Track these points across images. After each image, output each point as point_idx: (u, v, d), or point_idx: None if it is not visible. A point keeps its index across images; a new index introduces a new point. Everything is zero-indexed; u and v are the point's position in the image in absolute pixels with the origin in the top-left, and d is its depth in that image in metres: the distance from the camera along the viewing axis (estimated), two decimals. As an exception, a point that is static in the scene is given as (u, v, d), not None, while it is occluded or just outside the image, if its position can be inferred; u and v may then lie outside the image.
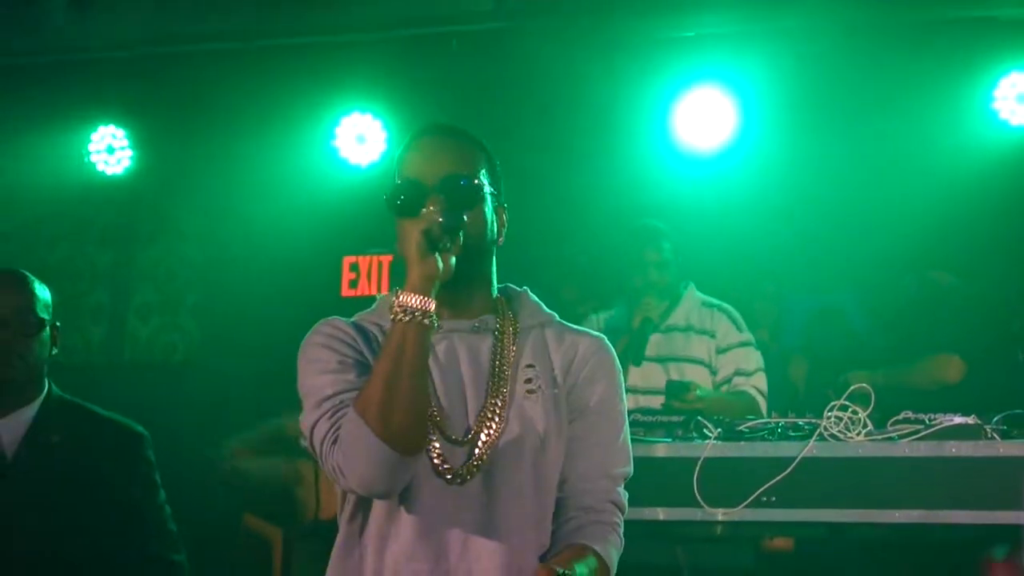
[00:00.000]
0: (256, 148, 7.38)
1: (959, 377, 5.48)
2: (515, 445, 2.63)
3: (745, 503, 4.08)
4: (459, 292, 2.71)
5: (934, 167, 6.33)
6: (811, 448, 4.11)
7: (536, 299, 2.87)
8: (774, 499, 4.08)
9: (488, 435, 2.63)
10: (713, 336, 5.45)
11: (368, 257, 7.79)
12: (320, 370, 2.67)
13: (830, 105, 6.58)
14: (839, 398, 5.58)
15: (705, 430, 4.28)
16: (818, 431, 4.14)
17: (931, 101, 6.45)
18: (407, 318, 2.50)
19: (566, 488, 2.71)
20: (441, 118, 7.49)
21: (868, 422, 4.16)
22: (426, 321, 2.51)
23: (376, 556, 2.63)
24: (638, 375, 5.33)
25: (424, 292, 2.51)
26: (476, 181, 2.70)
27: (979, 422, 4.12)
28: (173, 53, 7.31)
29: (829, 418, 4.16)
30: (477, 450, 2.62)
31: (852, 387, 4.33)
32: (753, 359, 5.44)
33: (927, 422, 4.13)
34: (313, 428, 2.62)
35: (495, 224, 2.76)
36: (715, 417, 4.39)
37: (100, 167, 7.75)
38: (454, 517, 2.60)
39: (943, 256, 5.81)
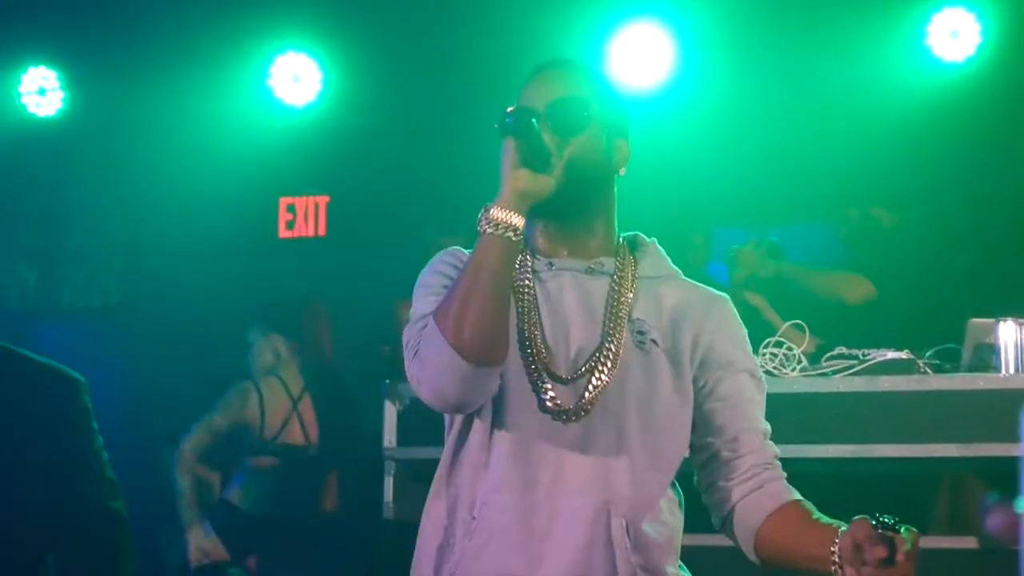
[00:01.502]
0: (190, 88, 7.32)
1: (857, 300, 5.54)
2: (623, 392, 2.58)
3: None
4: (572, 227, 2.69)
5: (869, 104, 6.37)
6: (746, 384, 4.14)
7: (663, 252, 2.82)
8: (709, 435, 4.11)
9: (598, 379, 2.58)
10: None
11: (305, 198, 7.76)
12: (426, 293, 2.64)
13: (765, 43, 6.59)
14: (746, 284, 5.65)
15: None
16: (753, 368, 4.17)
17: (865, 37, 6.48)
18: (490, 230, 2.47)
19: (736, 447, 2.67)
20: (375, 56, 7.46)
21: (802, 358, 4.20)
22: (509, 235, 2.47)
23: (469, 487, 2.60)
24: None
25: (511, 206, 2.48)
26: (587, 106, 2.64)
27: (912, 356, 4.17)
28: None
29: (764, 354, 4.19)
30: (587, 393, 2.57)
31: (786, 324, 4.38)
32: None
33: (861, 357, 4.18)
34: (407, 344, 2.60)
35: (612, 153, 2.72)
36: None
37: (31, 109, 7.67)
38: (550, 455, 2.56)
39: (881, 194, 5.85)
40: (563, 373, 2.60)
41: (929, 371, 4.14)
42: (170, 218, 7.59)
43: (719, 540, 3.55)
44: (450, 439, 2.67)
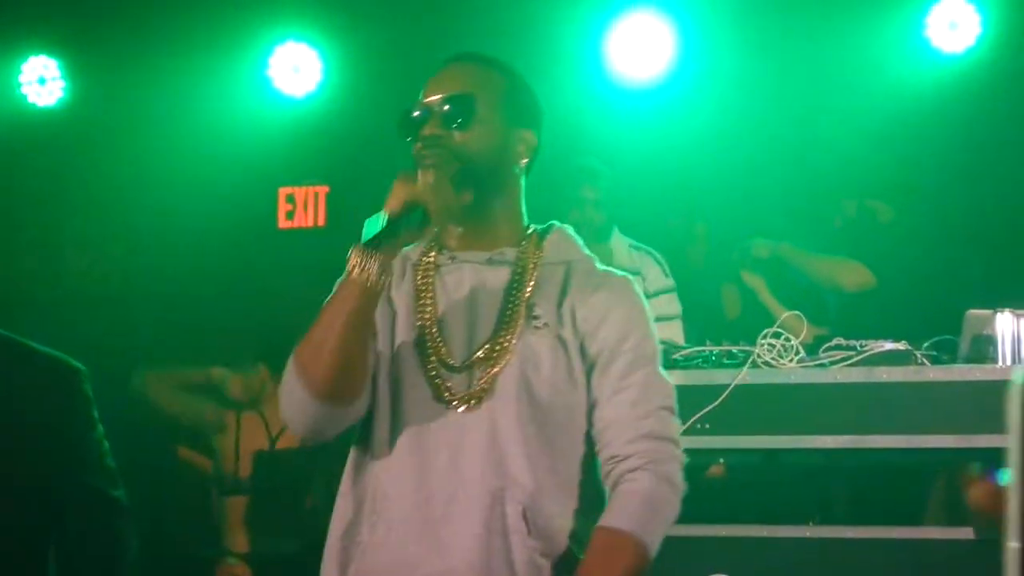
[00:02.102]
0: (190, 78, 7.31)
1: (854, 287, 5.56)
2: (517, 377, 2.61)
3: (680, 431, 4.11)
4: (469, 221, 2.72)
5: (868, 96, 6.35)
6: (744, 375, 4.16)
7: (573, 237, 2.83)
8: (708, 426, 4.13)
9: (490, 366, 2.62)
10: (644, 279, 5.47)
11: (304, 188, 7.76)
12: None
13: (764, 33, 6.59)
14: (744, 264, 5.69)
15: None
16: (751, 358, 4.18)
17: (864, 28, 6.48)
18: (353, 275, 2.53)
19: (599, 440, 2.66)
20: (376, 47, 7.46)
21: (800, 349, 4.21)
22: (372, 280, 2.51)
23: (373, 482, 2.64)
24: None
25: (371, 247, 2.53)
26: (472, 101, 2.68)
27: (909, 348, 4.18)
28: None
29: (762, 345, 4.20)
30: (478, 381, 2.61)
31: (784, 315, 4.39)
32: (673, 306, 5.53)
33: (858, 348, 4.18)
34: None
35: (508, 145, 2.74)
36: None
37: (31, 99, 7.68)
38: (446, 444, 2.60)
39: (879, 186, 5.86)
40: (456, 362, 2.64)
41: (927, 362, 4.15)
42: (170, 207, 7.58)
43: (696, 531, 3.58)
44: (356, 437, 2.71)
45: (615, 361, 2.65)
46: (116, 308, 7.81)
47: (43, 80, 7.64)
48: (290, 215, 7.77)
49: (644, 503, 2.58)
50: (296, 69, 7.34)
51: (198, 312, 7.14)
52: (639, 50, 6.74)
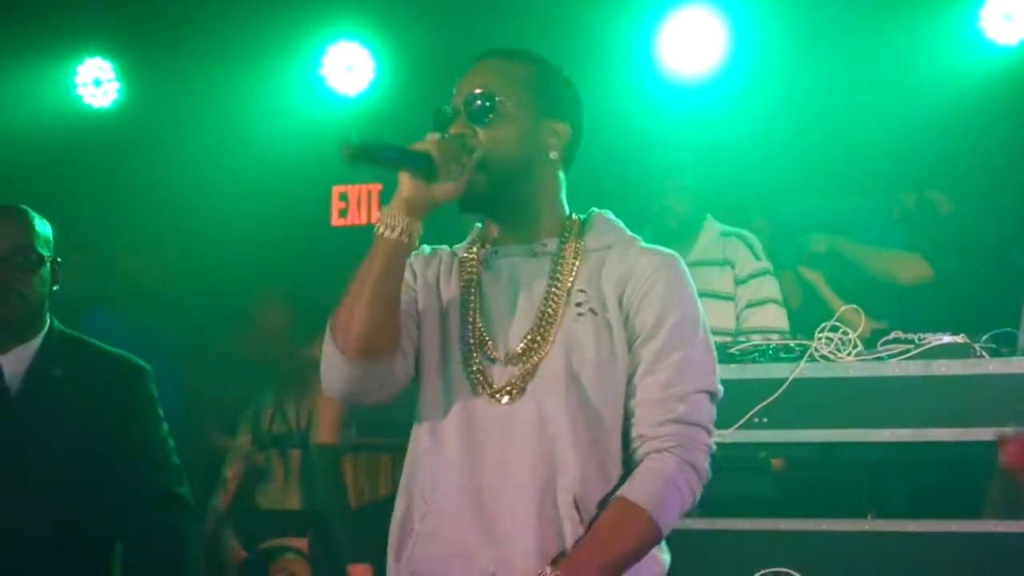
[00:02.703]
0: (243, 79, 7.36)
1: (912, 280, 5.53)
2: (561, 367, 2.62)
3: (737, 425, 4.13)
4: (507, 215, 2.75)
5: (923, 89, 6.32)
6: (802, 369, 4.14)
7: (614, 220, 2.83)
8: (766, 420, 4.13)
9: (533, 356, 2.64)
10: (732, 266, 5.41)
11: (357, 186, 7.80)
12: None
13: (817, 26, 6.56)
14: (801, 258, 5.65)
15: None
16: (809, 352, 4.17)
17: (918, 20, 6.44)
18: (377, 231, 2.58)
19: (631, 417, 2.65)
20: (428, 44, 7.46)
21: (858, 342, 4.19)
22: (392, 236, 2.56)
23: (426, 476, 2.68)
24: None
25: (396, 209, 2.57)
26: (493, 97, 2.69)
27: (968, 341, 4.16)
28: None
29: (820, 339, 4.19)
30: (519, 370, 2.63)
31: (842, 308, 4.38)
32: (766, 288, 5.40)
33: (916, 342, 4.17)
34: None
35: (538, 137, 2.74)
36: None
37: (87, 100, 7.75)
38: (495, 436, 2.62)
39: (936, 177, 5.84)
40: (500, 355, 2.66)
41: (985, 355, 4.13)
42: (223, 207, 7.64)
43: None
44: (412, 435, 2.75)
45: (652, 340, 2.64)
46: (168, 308, 7.88)
47: (98, 82, 7.72)
48: (343, 213, 7.81)
49: (664, 483, 2.58)
50: (349, 68, 7.38)
51: (252, 311, 7.18)
52: (691, 46, 6.74)
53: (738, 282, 5.38)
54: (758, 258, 5.45)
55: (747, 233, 5.54)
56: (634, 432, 2.64)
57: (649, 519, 2.55)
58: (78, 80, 7.73)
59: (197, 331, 7.49)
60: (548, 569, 2.53)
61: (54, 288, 3.80)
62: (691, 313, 2.70)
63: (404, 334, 2.67)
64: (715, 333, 2.84)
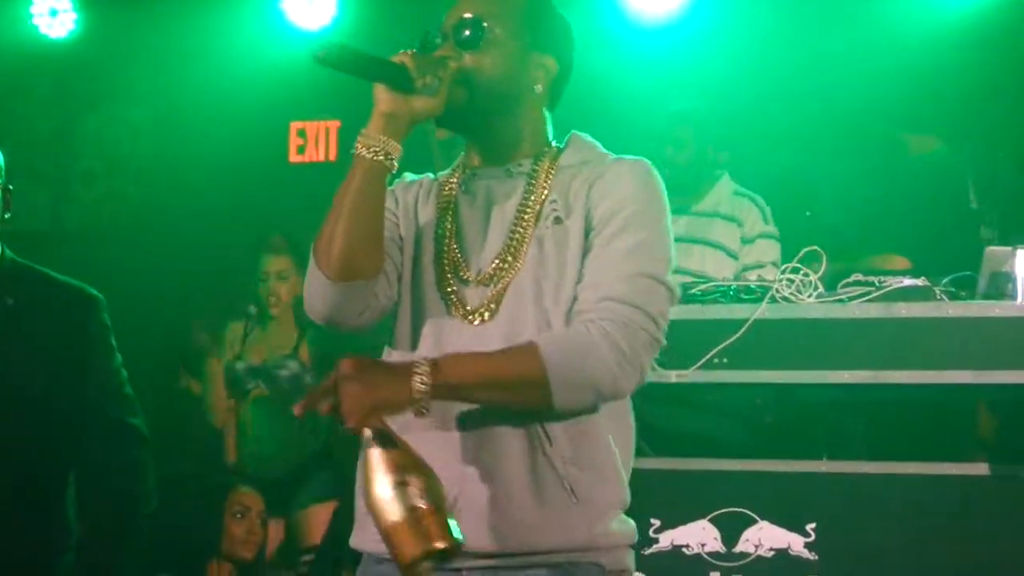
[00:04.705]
0: (202, 11, 7.29)
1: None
2: (533, 282, 2.60)
3: (697, 365, 4.12)
4: (486, 137, 2.73)
5: (894, 31, 6.31)
6: (763, 310, 4.14)
7: (589, 139, 2.78)
8: (726, 361, 4.12)
9: (503, 273, 2.62)
10: (741, 224, 5.49)
11: (316, 123, 7.75)
12: None
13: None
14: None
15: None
16: (770, 293, 4.17)
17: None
18: (354, 150, 2.55)
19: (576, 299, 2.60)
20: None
21: (819, 284, 4.19)
22: (368, 155, 2.54)
23: None
24: None
25: (375, 127, 2.54)
26: (481, 23, 2.66)
27: (928, 284, 4.17)
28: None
29: (781, 280, 4.19)
30: (491, 291, 2.62)
31: (804, 250, 4.37)
32: (770, 253, 5.48)
33: (877, 284, 4.17)
34: None
35: (525, 68, 2.71)
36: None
37: (43, 30, 7.65)
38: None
39: (922, 121, 5.84)
40: (471, 275, 2.65)
41: (945, 298, 4.14)
42: (180, 141, 7.59)
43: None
44: (383, 357, 2.72)
45: (605, 227, 2.59)
46: (125, 240, 7.83)
47: (55, 12, 7.64)
48: (301, 149, 7.76)
49: (575, 344, 2.50)
50: (310, 2, 7.31)
51: (208, 245, 7.15)
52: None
53: (744, 241, 5.49)
54: (767, 222, 5.54)
55: (759, 197, 5.59)
56: (575, 308, 2.56)
57: (542, 366, 2.46)
58: (34, 10, 7.65)
59: (153, 264, 7.44)
60: (423, 361, 2.45)
61: (6, 216, 3.74)
62: (652, 207, 2.62)
63: (387, 258, 2.66)
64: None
